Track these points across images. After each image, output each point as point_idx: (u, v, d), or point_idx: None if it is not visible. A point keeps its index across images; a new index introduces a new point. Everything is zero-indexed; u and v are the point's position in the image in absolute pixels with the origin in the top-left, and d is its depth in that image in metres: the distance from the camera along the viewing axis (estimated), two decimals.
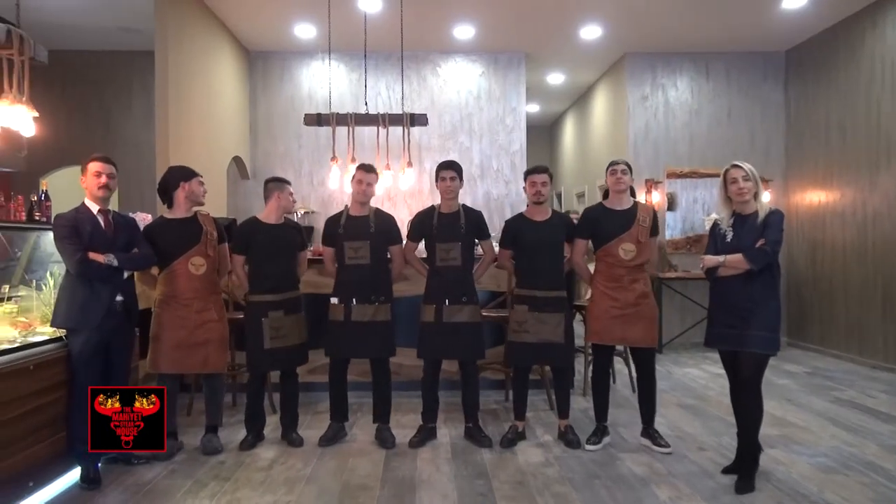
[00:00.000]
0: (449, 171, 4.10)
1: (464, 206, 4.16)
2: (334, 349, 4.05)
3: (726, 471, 3.58)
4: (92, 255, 3.35)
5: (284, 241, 4.05)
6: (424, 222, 4.15)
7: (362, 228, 4.01)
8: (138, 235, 3.72)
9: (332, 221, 4.13)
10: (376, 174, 4.17)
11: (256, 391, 4.11)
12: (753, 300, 3.35)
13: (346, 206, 4.18)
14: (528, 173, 4.15)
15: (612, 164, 4.05)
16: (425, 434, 4.15)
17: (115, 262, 3.42)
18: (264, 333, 3.95)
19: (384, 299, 4.04)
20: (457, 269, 4.05)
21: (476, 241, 4.20)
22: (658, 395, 4.14)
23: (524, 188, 4.18)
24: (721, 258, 3.40)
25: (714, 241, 3.56)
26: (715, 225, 3.60)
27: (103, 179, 3.49)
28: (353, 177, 4.11)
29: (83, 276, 3.36)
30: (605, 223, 3.98)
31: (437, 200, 4.20)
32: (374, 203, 4.26)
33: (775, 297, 3.40)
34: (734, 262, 3.36)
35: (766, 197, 3.46)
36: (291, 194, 4.16)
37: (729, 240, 3.45)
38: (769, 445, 3.95)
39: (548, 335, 3.97)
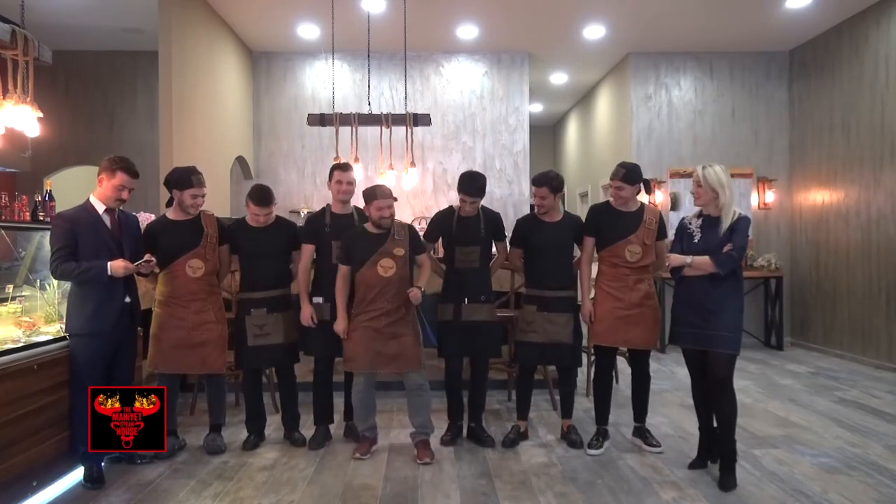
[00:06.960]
0: (478, 199, 4.03)
1: (483, 207, 4.15)
2: (322, 348, 4.03)
3: (692, 466, 3.68)
4: (135, 265, 3.45)
5: (267, 243, 4.00)
6: (443, 224, 4.14)
7: (348, 226, 4.00)
8: (139, 236, 3.75)
9: (315, 219, 4.10)
10: (352, 170, 4.18)
11: (250, 388, 4.12)
12: (719, 302, 3.43)
13: (328, 204, 4.16)
14: (532, 182, 4.18)
15: (611, 177, 3.89)
16: (455, 431, 4.15)
17: (146, 272, 3.57)
18: (247, 331, 3.97)
19: None
20: (475, 270, 4.06)
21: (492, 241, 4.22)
22: (660, 395, 4.12)
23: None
24: (688, 259, 3.46)
25: (680, 239, 3.61)
26: (682, 224, 3.64)
27: (125, 195, 3.51)
28: (332, 177, 4.08)
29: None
30: (612, 223, 3.91)
31: (441, 200, 4.20)
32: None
33: (739, 298, 3.51)
34: (701, 263, 3.42)
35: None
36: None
37: (696, 241, 3.51)
38: (772, 445, 3.94)
39: (556, 335, 3.96)
